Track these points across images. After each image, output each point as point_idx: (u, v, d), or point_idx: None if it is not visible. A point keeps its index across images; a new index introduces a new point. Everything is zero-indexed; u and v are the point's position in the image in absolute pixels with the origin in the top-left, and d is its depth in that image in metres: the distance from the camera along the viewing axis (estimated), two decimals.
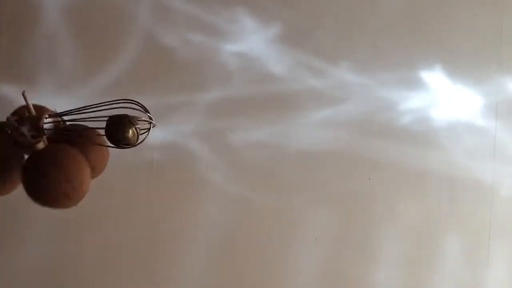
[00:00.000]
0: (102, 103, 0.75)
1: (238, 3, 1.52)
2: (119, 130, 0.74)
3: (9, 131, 0.76)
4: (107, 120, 0.75)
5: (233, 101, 1.53)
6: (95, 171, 0.82)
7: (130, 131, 0.74)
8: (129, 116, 0.75)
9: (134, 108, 0.77)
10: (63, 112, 0.77)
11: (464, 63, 1.63)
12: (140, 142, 0.77)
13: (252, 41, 1.54)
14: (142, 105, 0.77)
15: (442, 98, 1.62)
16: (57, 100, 1.46)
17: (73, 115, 0.76)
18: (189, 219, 1.53)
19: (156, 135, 1.46)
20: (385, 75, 1.60)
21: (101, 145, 0.79)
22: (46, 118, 0.77)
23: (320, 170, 1.59)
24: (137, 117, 0.76)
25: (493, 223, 1.64)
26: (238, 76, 1.53)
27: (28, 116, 0.78)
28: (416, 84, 1.61)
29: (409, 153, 1.61)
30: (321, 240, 1.58)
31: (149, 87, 1.50)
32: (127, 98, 0.76)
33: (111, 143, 0.76)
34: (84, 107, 0.76)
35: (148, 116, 0.76)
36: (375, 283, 1.60)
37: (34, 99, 1.46)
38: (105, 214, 1.48)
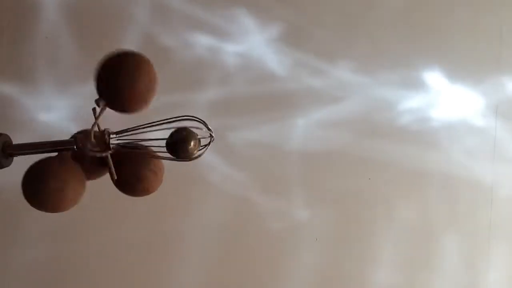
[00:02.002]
0: (163, 120, 0.81)
1: (237, 3, 1.52)
2: (182, 141, 0.80)
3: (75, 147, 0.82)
4: (172, 132, 0.81)
5: (233, 100, 1.53)
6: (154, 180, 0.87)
7: (192, 143, 0.80)
8: (192, 129, 0.81)
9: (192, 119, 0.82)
10: (127, 129, 0.82)
11: (464, 63, 1.63)
12: (198, 157, 0.82)
13: (251, 41, 1.54)
14: (203, 121, 0.82)
15: (442, 98, 1.62)
16: (57, 100, 1.46)
17: (135, 132, 0.82)
18: (189, 218, 1.53)
19: (156, 135, 1.46)
20: (384, 75, 1.60)
21: (158, 157, 0.85)
22: (111, 134, 0.82)
23: (320, 170, 1.59)
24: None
25: (493, 224, 1.65)
26: (238, 76, 1.53)
27: (94, 133, 0.83)
28: (416, 84, 1.61)
29: (409, 153, 1.61)
30: (321, 240, 1.58)
31: None
32: (188, 114, 0.81)
33: (170, 153, 0.81)
34: (145, 124, 0.82)
35: (209, 131, 0.82)
36: (375, 283, 1.60)
37: (34, 99, 1.46)
38: (103, 215, 1.48)
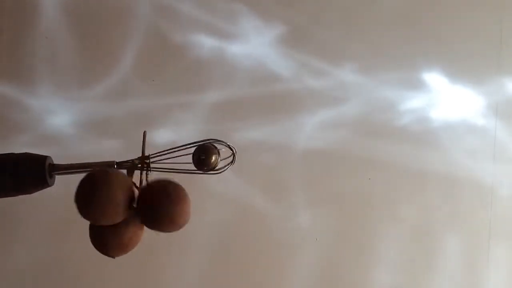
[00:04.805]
0: (189, 144, 0.93)
1: (240, 3, 1.52)
2: (204, 155, 0.92)
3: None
4: (196, 148, 0.93)
5: (235, 101, 1.53)
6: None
7: (213, 157, 0.92)
8: (214, 145, 0.93)
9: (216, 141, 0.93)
10: (158, 152, 0.92)
11: (464, 63, 1.63)
12: (221, 171, 0.95)
13: (254, 42, 1.54)
14: (225, 142, 0.94)
15: (442, 98, 1.62)
16: (57, 100, 1.46)
17: (164, 155, 0.92)
18: (190, 219, 1.52)
19: (156, 135, 1.46)
20: (385, 75, 1.60)
21: (185, 172, 0.94)
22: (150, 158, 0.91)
23: (320, 170, 1.59)
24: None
25: (493, 223, 1.64)
26: (240, 77, 1.53)
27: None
28: (416, 84, 1.61)
29: (409, 153, 1.61)
30: (321, 240, 1.58)
31: (150, 87, 1.50)
32: (212, 138, 0.93)
33: (196, 167, 0.94)
34: (173, 148, 0.92)
35: (232, 149, 0.94)
36: (375, 283, 1.60)
37: (35, 100, 1.46)
38: None
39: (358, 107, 1.58)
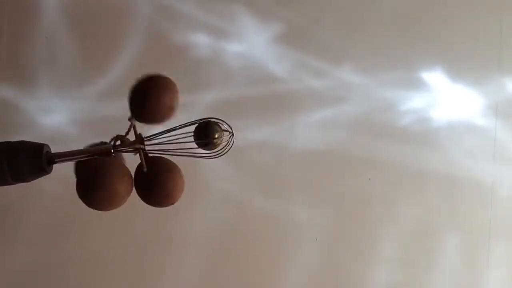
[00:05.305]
0: (186, 123, 0.92)
1: (239, 2, 1.52)
2: (207, 131, 0.91)
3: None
4: (198, 123, 0.92)
5: (234, 101, 1.53)
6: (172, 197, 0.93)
7: (217, 134, 0.90)
8: (217, 122, 0.91)
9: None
10: (155, 134, 0.90)
11: (464, 63, 1.63)
12: (222, 153, 0.93)
13: (253, 41, 1.54)
14: (223, 120, 0.92)
15: (442, 98, 1.62)
16: (57, 99, 1.46)
17: (162, 137, 0.90)
18: (189, 218, 1.53)
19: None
20: (385, 75, 1.60)
21: (184, 155, 0.93)
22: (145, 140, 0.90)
23: (320, 170, 1.59)
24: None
25: (493, 223, 1.65)
26: (239, 76, 1.53)
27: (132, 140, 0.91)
28: (416, 84, 1.61)
29: (409, 153, 1.61)
30: (321, 240, 1.58)
31: None
32: (209, 117, 0.92)
33: (197, 144, 0.92)
34: (170, 129, 0.91)
35: (229, 129, 0.92)
36: (375, 283, 1.60)
37: (34, 100, 1.46)
38: (100, 215, 1.47)
39: (358, 107, 1.58)
